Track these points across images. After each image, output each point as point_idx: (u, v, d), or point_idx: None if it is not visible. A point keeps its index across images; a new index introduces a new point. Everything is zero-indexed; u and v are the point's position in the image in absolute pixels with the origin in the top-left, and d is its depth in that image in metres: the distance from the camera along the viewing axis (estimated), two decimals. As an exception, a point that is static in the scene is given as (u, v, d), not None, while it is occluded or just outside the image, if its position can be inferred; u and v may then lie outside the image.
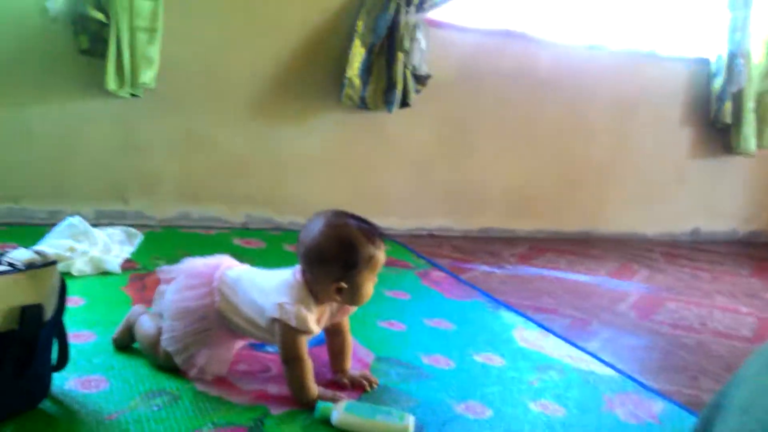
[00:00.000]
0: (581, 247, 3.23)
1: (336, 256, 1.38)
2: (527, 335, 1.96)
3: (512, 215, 3.28)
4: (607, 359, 1.85)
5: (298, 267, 1.45)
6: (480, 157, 3.15)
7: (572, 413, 1.52)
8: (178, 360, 1.44)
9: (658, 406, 1.61)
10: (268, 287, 1.44)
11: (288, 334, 1.38)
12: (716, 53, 3.40)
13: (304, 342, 1.41)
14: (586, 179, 3.39)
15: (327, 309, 1.46)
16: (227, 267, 1.52)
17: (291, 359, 1.40)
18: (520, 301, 2.29)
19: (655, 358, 1.94)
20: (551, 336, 1.97)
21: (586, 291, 2.52)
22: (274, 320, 1.38)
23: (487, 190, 3.20)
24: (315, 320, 1.41)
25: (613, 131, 3.39)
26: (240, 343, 1.56)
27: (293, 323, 1.36)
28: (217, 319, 1.46)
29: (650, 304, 2.46)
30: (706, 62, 3.45)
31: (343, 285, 1.39)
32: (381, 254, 1.42)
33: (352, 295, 1.42)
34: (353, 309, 1.52)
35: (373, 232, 1.42)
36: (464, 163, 3.13)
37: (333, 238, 1.39)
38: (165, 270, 1.54)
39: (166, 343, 1.44)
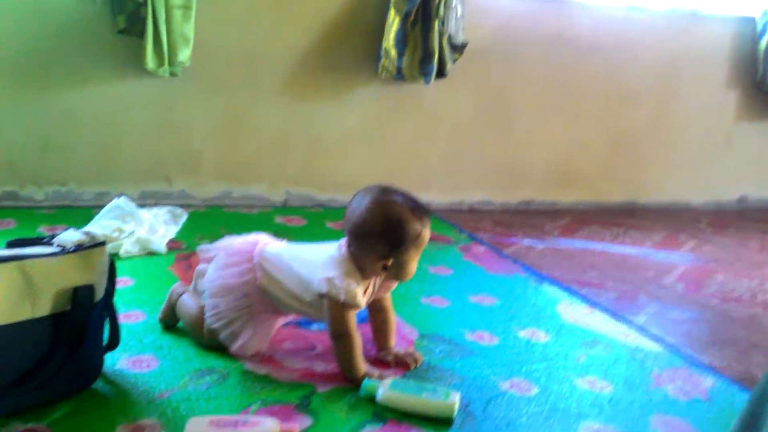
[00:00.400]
0: (625, 218, 3.17)
1: (383, 234, 1.38)
2: (572, 310, 1.94)
3: (554, 187, 3.23)
4: (655, 333, 1.83)
5: (343, 241, 1.45)
6: (519, 128, 3.10)
7: (619, 390, 1.50)
8: (222, 337, 1.46)
9: (708, 381, 1.58)
10: (313, 262, 1.44)
11: (337, 309, 1.38)
12: (762, 11, 3.26)
13: (353, 317, 1.41)
14: (629, 147, 3.31)
15: (371, 284, 1.47)
16: (266, 243, 1.53)
17: (340, 335, 1.40)
18: (563, 275, 2.27)
19: (704, 332, 1.90)
20: (597, 310, 1.95)
21: (631, 264, 2.48)
22: (321, 295, 1.39)
23: (528, 161, 3.16)
24: (362, 294, 1.41)
25: (655, 96, 3.30)
26: (281, 320, 1.58)
27: (342, 297, 1.37)
28: (259, 296, 1.47)
29: (698, 276, 2.41)
30: (751, 21, 3.30)
31: (389, 262, 1.39)
32: (427, 232, 1.42)
33: (397, 272, 1.42)
34: (394, 284, 1.52)
35: (419, 209, 1.41)
36: (503, 133, 3.08)
37: (380, 215, 1.38)
38: (204, 249, 1.56)
39: (211, 321, 1.46)
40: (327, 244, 1.48)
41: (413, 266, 1.43)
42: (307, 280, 1.42)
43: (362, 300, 1.40)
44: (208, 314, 1.47)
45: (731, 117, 3.46)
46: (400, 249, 1.39)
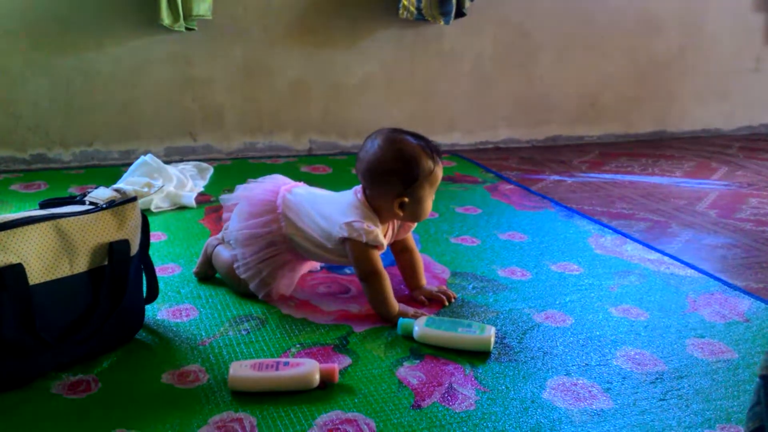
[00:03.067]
0: (654, 148, 3.12)
1: (396, 171, 1.39)
2: (603, 242, 1.93)
3: (579, 121, 3.18)
4: (688, 261, 1.81)
5: (358, 187, 1.46)
6: (542, 63, 3.04)
7: (655, 316, 1.50)
8: (252, 285, 1.48)
9: (745, 303, 1.57)
10: (331, 211, 1.45)
11: (360, 250, 1.40)
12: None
13: (378, 256, 1.42)
14: (656, 76, 3.24)
15: (389, 227, 1.48)
16: (287, 190, 1.53)
17: (368, 274, 1.42)
18: (593, 208, 2.25)
19: (739, 256, 1.89)
20: (629, 241, 1.94)
21: (662, 193, 2.45)
22: (344, 240, 1.40)
23: (552, 96, 3.10)
24: (383, 235, 1.42)
25: (681, 23, 3.20)
26: (308, 265, 1.60)
27: (364, 239, 1.38)
28: (285, 244, 1.49)
29: (731, 201, 2.37)
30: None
31: (405, 199, 1.40)
32: (439, 170, 1.43)
33: (413, 211, 1.43)
34: (413, 226, 1.54)
35: (430, 147, 1.42)
36: (526, 70, 3.03)
37: (393, 152, 1.40)
38: (225, 198, 1.58)
39: (240, 271, 1.48)
40: (343, 192, 1.50)
41: (428, 205, 1.44)
42: (328, 230, 1.43)
43: (383, 240, 1.42)
44: (237, 264, 1.49)
45: (760, 39, 3.35)
46: (414, 185, 1.40)
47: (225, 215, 1.58)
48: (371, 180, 1.42)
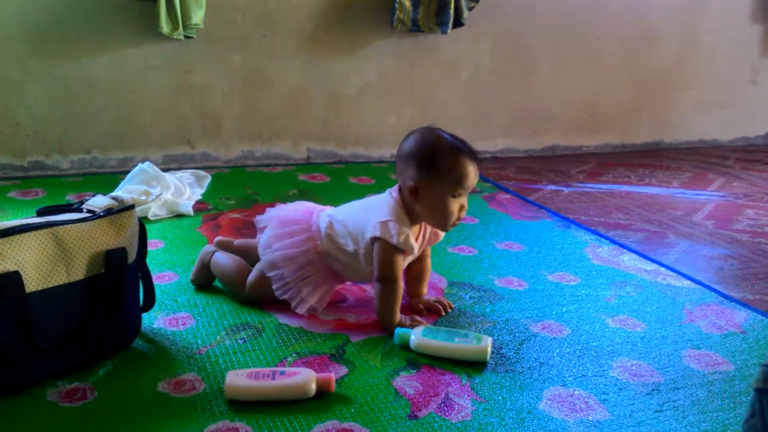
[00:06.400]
0: (651, 159, 3.13)
1: (414, 154, 1.39)
2: (600, 252, 1.93)
3: (578, 131, 3.19)
4: (685, 271, 1.82)
5: (394, 187, 1.46)
6: (540, 72, 3.05)
7: (652, 327, 1.50)
8: (293, 304, 1.46)
9: (741, 315, 1.58)
10: (369, 213, 1.43)
11: (387, 252, 1.39)
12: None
13: (402, 263, 1.42)
14: (654, 87, 3.25)
15: (420, 233, 1.47)
16: (321, 209, 1.54)
17: (387, 279, 1.40)
18: (590, 218, 2.25)
19: (735, 268, 1.89)
20: (626, 252, 1.94)
21: (659, 204, 2.46)
22: (374, 239, 1.39)
23: (550, 106, 3.11)
24: (414, 240, 1.42)
25: (679, 34, 3.22)
26: (339, 285, 1.58)
27: (394, 240, 1.37)
28: (321, 262, 1.48)
29: (728, 212, 2.38)
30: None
31: (418, 187, 1.38)
32: (468, 170, 1.38)
33: (430, 206, 1.39)
34: (441, 236, 1.53)
35: (465, 147, 1.40)
36: (525, 80, 3.04)
37: (418, 139, 1.41)
38: (258, 220, 1.57)
39: (281, 293, 1.46)
40: (380, 195, 1.49)
41: (450, 206, 1.38)
42: (363, 229, 1.42)
43: (415, 245, 1.41)
44: (275, 286, 1.47)
45: (757, 51, 3.37)
46: (429, 174, 1.37)
47: (258, 237, 1.56)
48: (397, 168, 1.44)
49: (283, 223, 1.52)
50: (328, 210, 1.54)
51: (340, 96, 2.80)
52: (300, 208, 1.56)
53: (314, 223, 1.50)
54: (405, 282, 1.56)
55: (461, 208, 1.41)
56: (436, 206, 1.39)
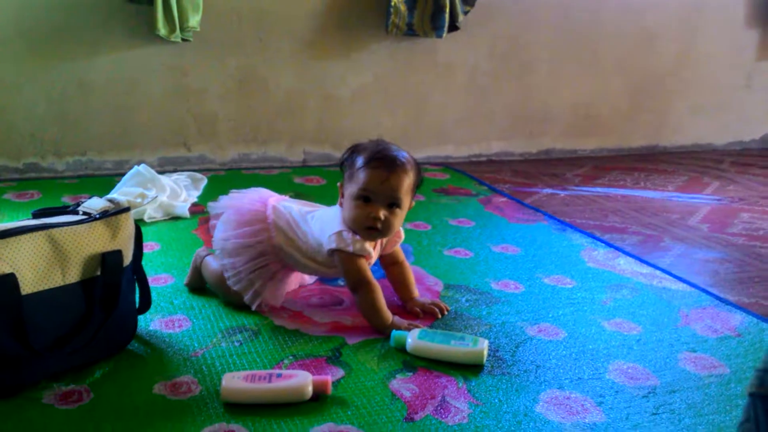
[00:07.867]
0: (647, 162, 3.14)
1: (341, 158, 1.47)
2: (596, 255, 1.94)
3: (573, 134, 3.20)
4: (680, 275, 1.82)
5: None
6: (536, 76, 3.06)
7: (647, 330, 1.51)
8: (246, 297, 1.47)
9: (737, 318, 1.58)
10: (322, 223, 1.46)
11: (349, 260, 1.41)
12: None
13: (366, 266, 1.43)
14: (649, 91, 3.26)
15: (378, 240, 1.48)
16: (276, 201, 1.54)
17: (358, 284, 1.42)
18: (586, 221, 2.26)
19: (730, 271, 1.89)
20: (621, 255, 1.94)
21: (654, 207, 2.46)
22: (333, 251, 1.41)
23: (546, 109, 3.12)
24: (371, 246, 1.43)
25: (675, 38, 3.23)
26: (297, 277, 1.60)
27: (351, 249, 1.39)
28: (274, 254, 1.49)
29: (723, 216, 2.39)
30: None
31: (341, 187, 1.44)
32: (370, 172, 1.37)
33: (346, 210, 1.42)
34: (400, 239, 1.54)
35: (374, 150, 1.40)
36: (520, 83, 3.05)
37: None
38: (212, 206, 1.58)
39: (232, 282, 1.47)
40: (332, 206, 1.50)
41: (355, 210, 1.39)
42: (320, 240, 1.44)
43: (371, 249, 1.42)
44: (227, 274, 1.48)
45: (752, 56, 3.39)
46: (345, 176, 1.43)
47: (212, 223, 1.57)
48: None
49: (237, 212, 1.52)
50: (282, 204, 1.53)
51: (336, 99, 2.80)
52: (254, 197, 1.55)
53: (269, 214, 1.50)
54: (393, 288, 1.58)
55: (375, 217, 1.38)
56: (346, 207, 1.42)
